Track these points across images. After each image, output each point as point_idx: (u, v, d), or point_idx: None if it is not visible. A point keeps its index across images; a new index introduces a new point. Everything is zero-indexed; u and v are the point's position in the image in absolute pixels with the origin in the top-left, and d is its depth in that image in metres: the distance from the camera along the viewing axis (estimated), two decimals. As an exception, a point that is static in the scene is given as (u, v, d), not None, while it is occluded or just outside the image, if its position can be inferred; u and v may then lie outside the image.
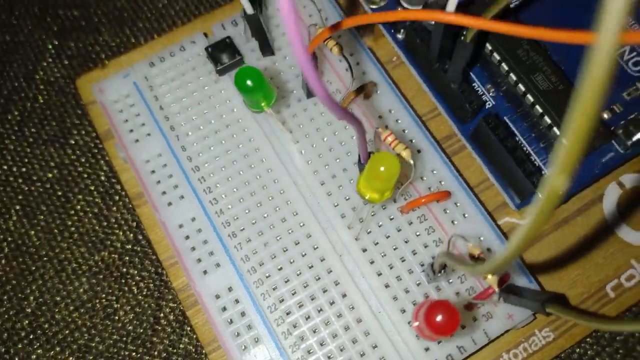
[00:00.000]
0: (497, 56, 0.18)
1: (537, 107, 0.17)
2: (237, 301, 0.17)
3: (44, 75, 0.23)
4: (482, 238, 0.17)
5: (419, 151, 0.18)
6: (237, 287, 0.17)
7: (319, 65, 0.19)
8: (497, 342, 0.17)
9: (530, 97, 0.17)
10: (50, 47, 0.23)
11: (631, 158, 0.18)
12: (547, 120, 0.17)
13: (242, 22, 0.19)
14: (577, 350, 0.18)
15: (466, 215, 0.17)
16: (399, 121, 0.19)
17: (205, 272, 0.17)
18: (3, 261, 0.20)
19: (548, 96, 0.17)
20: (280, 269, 0.17)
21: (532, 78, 0.17)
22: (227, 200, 0.18)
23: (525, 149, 0.17)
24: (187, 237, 0.18)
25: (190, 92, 0.19)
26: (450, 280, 0.17)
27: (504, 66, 0.18)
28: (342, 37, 0.19)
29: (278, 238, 0.17)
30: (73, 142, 0.22)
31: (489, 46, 0.18)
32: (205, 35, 0.20)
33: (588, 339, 0.19)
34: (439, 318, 0.12)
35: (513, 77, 0.17)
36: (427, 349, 0.16)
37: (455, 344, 0.16)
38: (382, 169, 0.13)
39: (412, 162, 0.15)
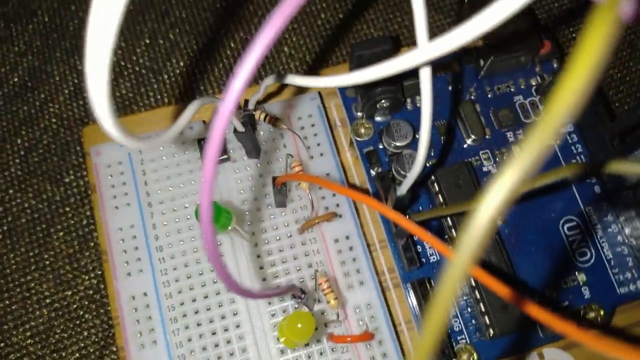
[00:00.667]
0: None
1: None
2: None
3: (58, 110, 0.25)
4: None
5: (361, 283, 0.20)
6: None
7: (288, 190, 0.20)
8: None
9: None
10: (71, 84, 0.25)
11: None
12: (477, 295, 0.18)
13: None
14: None
15: (385, 356, 0.19)
16: (352, 249, 0.20)
17: (142, 346, 0.19)
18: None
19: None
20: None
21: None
22: (178, 286, 0.20)
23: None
24: (135, 310, 0.19)
25: (175, 173, 0.21)
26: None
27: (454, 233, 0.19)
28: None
29: (213, 333, 0.19)
30: (67, 181, 0.24)
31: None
32: (204, 122, 0.22)
33: None
34: None
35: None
36: None
37: None
38: (299, 325, 0.15)
39: (337, 311, 0.17)
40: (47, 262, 0.22)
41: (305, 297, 0.17)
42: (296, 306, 0.19)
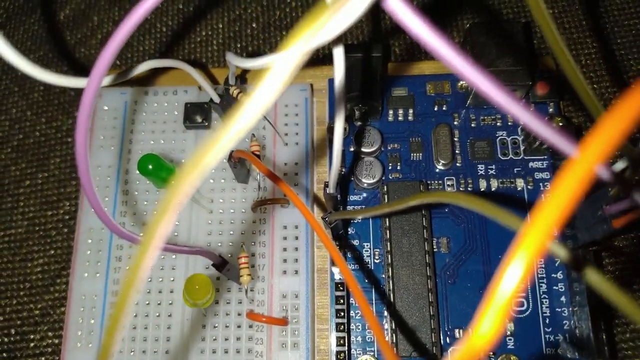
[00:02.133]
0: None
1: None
2: None
3: (87, 52, 0.27)
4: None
5: (296, 272, 0.20)
6: None
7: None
8: None
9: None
10: (105, 31, 0.28)
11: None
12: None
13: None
14: None
15: (296, 346, 0.19)
16: (297, 238, 0.21)
17: (87, 275, 0.21)
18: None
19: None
20: None
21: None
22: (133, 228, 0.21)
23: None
24: (90, 241, 0.21)
25: (159, 130, 0.23)
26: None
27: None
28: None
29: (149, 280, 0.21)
30: (76, 115, 0.26)
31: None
32: (200, 88, 0.23)
33: None
34: None
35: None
36: None
37: None
38: (196, 287, 0.16)
39: (246, 287, 0.17)
40: (39, 182, 0.25)
41: (227, 268, 0.18)
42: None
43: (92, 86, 0.10)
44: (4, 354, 0.23)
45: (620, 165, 0.16)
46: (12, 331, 0.23)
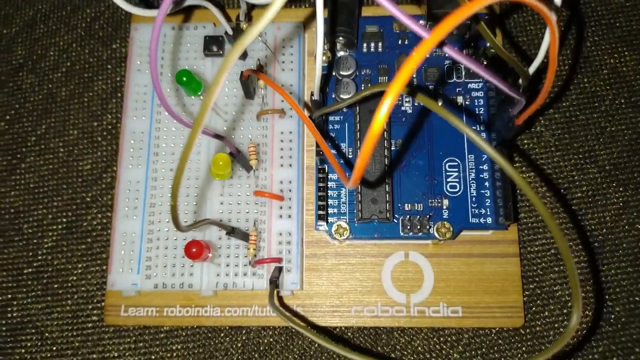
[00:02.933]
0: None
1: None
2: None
3: None
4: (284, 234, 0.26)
5: (290, 165, 0.27)
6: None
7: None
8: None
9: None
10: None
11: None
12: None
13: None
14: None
15: (289, 216, 0.26)
16: (291, 141, 0.27)
17: (130, 166, 0.28)
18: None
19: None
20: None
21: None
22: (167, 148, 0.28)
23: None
24: (133, 145, 0.28)
25: (184, 57, 0.29)
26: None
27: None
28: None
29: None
30: (114, 47, 0.32)
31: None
32: (215, 24, 0.29)
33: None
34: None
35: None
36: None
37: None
38: (220, 163, 0.23)
39: (254, 169, 0.24)
40: (86, 100, 0.31)
41: (240, 157, 0.25)
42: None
43: (158, 22, 0.16)
44: (64, 231, 0.30)
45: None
46: (69, 214, 0.30)
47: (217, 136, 0.23)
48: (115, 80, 0.31)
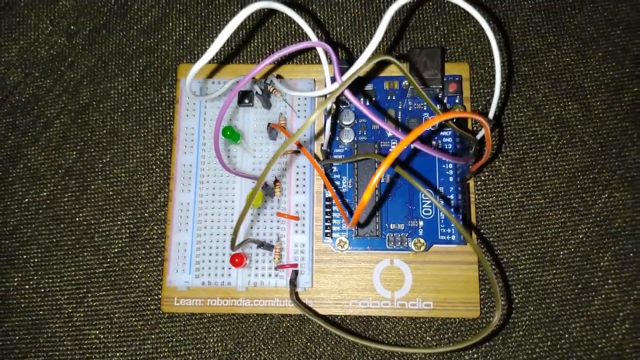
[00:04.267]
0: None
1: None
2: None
3: (170, 47, 0.41)
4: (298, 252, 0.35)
5: (304, 192, 0.35)
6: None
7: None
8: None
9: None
10: (186, 39, 0.41)
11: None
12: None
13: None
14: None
15: (303, 232, 0.35)
16: (305, 173, 0.36)
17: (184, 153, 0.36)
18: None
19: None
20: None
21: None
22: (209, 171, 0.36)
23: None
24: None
25: (218, 106, 0.37)
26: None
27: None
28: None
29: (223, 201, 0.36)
30: (164, 92, 0.40)
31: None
32: (254, 79, 0.37)
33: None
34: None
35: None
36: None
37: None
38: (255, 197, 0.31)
39: (278, 198, 0.33)
40: (141, 135, 0.39)
41: (267, 188, 0.33)
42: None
43: (220, 116, 0.25)
44: (127, 240, 0.38)
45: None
46: (131, 226, 0.38)
47: (253, 177, 0.31)
48: (165, 119, 0.40)
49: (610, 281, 0.36)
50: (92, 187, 0.39)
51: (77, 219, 0.38)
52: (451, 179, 0.35)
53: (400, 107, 0.36)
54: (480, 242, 0.37)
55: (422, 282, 0.35)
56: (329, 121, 0.28)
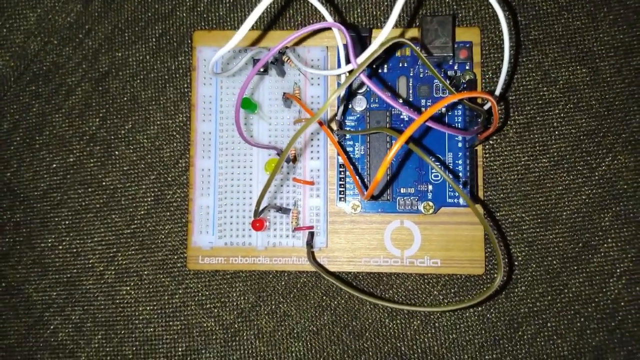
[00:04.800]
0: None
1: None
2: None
3: (186, 14, 0.42)
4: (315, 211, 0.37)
5: (318, 157, 0.37)
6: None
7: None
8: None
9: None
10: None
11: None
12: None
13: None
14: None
15: (318, 195, 0.37)
16: (319, 139, 0.37)
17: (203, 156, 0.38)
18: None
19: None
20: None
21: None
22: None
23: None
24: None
25: (237, 74, 0.38)
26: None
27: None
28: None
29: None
30: (180, 59, 0.41)
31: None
32: (268, 49, 0.38)
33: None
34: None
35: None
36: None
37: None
38: (273, 164, 0.33)
39: (294, 165, 0.34)
40: (161, 102, 0.41)
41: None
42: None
43: (242, 89, 0.26)
44: (152, 202, 0.41)
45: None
46: (156, 189, 0.41)
47: (270, 147, 0.33)
48: (183, 87, 0.41)
49: (609, 240, 0.38)
50: (117, 152, 0.41)
51: (104, 183, 0.41)
52: (460, 144, 0.36)
53: (411, 74, 0.37)
54: (486, 203, 0.38)
55: (431, 242, 0.37)
56: (342, 94, 0.30)
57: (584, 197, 0.38)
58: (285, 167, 0.37)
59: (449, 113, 0.37)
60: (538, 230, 0.38)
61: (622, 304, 0.37)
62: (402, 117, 0.37)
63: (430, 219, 0.37)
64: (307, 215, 0.37)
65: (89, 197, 0.41)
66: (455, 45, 0.36)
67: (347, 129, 0.37)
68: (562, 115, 0.39)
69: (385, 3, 0.40)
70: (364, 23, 0.40)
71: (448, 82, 0.36)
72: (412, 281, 0.39)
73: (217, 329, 0.39)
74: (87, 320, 0.40)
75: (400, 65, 0.37)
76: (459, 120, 0.37)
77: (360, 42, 0.35)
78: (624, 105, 0.39)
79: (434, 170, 0.36)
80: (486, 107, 0.33)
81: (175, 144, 0.41)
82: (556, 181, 0.38)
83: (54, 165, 0.41)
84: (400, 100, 0.37)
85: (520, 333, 0.38)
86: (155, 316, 0.39)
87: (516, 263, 0.38)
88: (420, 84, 0.37)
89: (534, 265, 0.38)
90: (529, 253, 0.38)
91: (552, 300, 0.38)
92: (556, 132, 0.39)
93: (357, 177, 0.33)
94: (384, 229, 0.38)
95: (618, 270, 0.38)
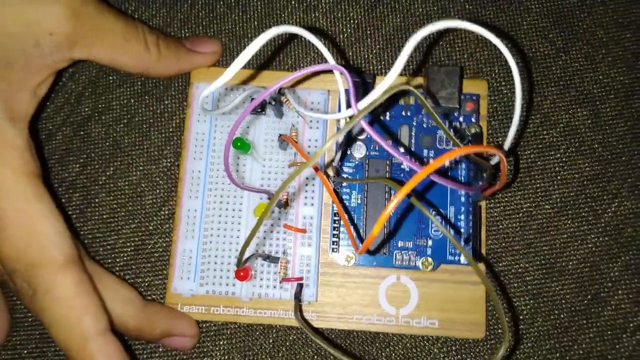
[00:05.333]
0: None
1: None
2: (196, 217, 0.35)
3: (181, 50, 0.41)
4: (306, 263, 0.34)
5: (312, 204, 0.35)
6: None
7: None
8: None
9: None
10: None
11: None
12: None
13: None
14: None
15: (309, 245, 0.35)
16: (314, 185, 0.35)
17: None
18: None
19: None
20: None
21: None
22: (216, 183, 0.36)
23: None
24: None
25: (232, 112, 0.37)
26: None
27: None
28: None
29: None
30: (173, 93, 0.40)
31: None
32: (265, 88, 0.37)
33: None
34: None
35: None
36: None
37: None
38: (262, 208, 0.31)
39: (285, 211, 0.32)
40: (144, 147, 0.39)
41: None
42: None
43: (233, 130, 0.24)
44: (132, 253, 0.38)
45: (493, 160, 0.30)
46: (136, 239, 0.38)
47: (261, 191, 0.31)
48: (168, 131, 0.39)
49: (620, 292, 0.35)
50: (96, 199, 0.38)
51: (82, 232, 0.38)
52: (463, 199, 0.34)
53: (414, 123, 0.35)
54: (487, 254, 0.36)
55: (428, 301, 0.35)
56: (341, 139, 0.28)
57: (590, 246, 0.36)
58: (277, 213, 0.35)
59: (453, 165, 0.35)
60: (543, 281, 0.36)
61: (638, 360, 0.35)
62: (402, 166, 0.35)
63: (429, 276, 0.35)
64: (297, 265, 0.34)
65: (67, 248, 0.38)
66: (462, 97, 0.35)
67: (345, 176, 0.35)
68: (564, 159, 0.37)
69: (392, 48, 0.39)
70: (370, 67, 0.39)
71: (453, 133, 0.34)
72: (410, 338, 0.36)
73: (200, 391, 0.36)
74: (59, 381, 0.36)
75: (404, 113, 0.36)
76: (463, 173, 0.35)
77: (364, 87, 0.33)
78: (627, 149, 0.37)
79: (434, 225, 0.34)
80: (493, 161, 0.31)
81: (158, 191, 0.38)
82: (560, 229, 0.36)
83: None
84: (402, 150, 0.35)
85: (529, 394, 0.35)
86: (136, 379, 0.36)
87: (521, 317, 0.35)
88: (423, 134, 0.35)
89: (540, 320, 0.35)
90: (535, 306, 0.36)
91: (561, 357, 0.35)
92: (558, 177, 0.37)
93: (351, 229, 0.31)
94: (379, 284, 0.35)
95: (631, 325, 0.35)
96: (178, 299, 0.35)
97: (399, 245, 0.34)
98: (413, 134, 0.35)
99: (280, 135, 0.33)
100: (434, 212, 0.34)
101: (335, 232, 0.34)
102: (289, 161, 0.35)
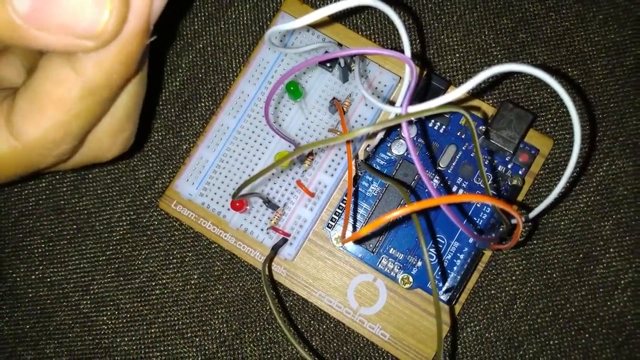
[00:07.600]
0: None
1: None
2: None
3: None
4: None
5: (332, 174, 0.35)
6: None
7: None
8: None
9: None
10: None
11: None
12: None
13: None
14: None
15: (311, 209, 0.35)
16: (342, 158, 0.35)
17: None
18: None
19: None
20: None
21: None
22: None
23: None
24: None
25: (299, 53, 0.36)
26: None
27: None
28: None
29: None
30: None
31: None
32: (340, 45, 0.36)
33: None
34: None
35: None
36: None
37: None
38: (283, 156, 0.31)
39: (305, 168, 0.32)
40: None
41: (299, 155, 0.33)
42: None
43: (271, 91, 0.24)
44: (128, 227, 0.38)
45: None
46: (131, 213, 0.37)
47: (291, 140, 0.31)
48: (242, 48, 0.39)
49: (611, 249, 0.35)
50: (90, 175, 0.38)
51: (77, 208, 0.37)
52: (471, 240, 0.34)
53: (463, 148, 0.34)
54: (460, 312, 0.36)
55: (391, 313, 0.35)
56: (381, 132, 0.27)
57: (582, 205, 0.36)
58: (297, 167, 0.35)
59: (477, 205, 0.34)
60: (536, 241, 0.36)
61: (629, 317, 0.34)
62: (432, 181, 0.34)
63: (403, 293, 0.35)
64: (291, 222, 0.35)
65: (62, 223, 0.37)
66: (521, 146, 0.34)
67: (373, 164, 0.35)
68: (554, 120, 0.36)
69: (479, 62, 0.38)
70: (452, 73, 0.38)
71: (491, 176, 0.33)
72: (355, 338, 0.36)
73: (199, 359, 0.37)
74: (62, 354, 0.36)
75: (459, 134, 0.35)
76: (484, 216, 0.34)
77: (432, 90, 0.32)
78: (619, 108, 0.36)
79: (431, 250, 0.34)
80: (514, 220, 0.30)
81: (150, 165, 0.37)
82: (552, 189, 0.35)
83: (26, 192, 0.38)
84: (440, 167, 0.34)
85: (521, 352, 0.35)
86: (134, 347, 0.36)
87: (514, 277, 0.36)
88: (466, 162, 0.34)
89: (533, 279, 0.35)
90: (527, 266, 0.35)
91: (554, 316, 0.35)
92: (550, 137, 0.36)
93: (350, 216, 0.31)
94: (355, 275, 0.35)
95: (622, 282, 0.35)
96: (176, 196, 0.36)
97: (390, 252, 0.34)
98: (457, 157, 0.34)
99: (334, 98, 0.33)
100: (430, 242, 0.34)
101: (338, 210, 0.34)
102: (331, 126, 0.35)
